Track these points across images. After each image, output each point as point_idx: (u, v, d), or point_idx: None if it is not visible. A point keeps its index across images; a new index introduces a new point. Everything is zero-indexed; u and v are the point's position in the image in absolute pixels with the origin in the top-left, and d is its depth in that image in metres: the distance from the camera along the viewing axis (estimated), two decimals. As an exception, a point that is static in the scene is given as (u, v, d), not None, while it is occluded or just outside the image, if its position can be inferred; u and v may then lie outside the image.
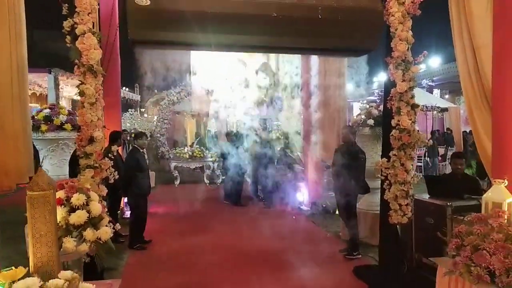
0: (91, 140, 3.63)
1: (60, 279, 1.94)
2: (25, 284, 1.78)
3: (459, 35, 4.58)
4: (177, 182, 12.40)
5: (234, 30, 4.39)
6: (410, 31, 4.50)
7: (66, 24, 3.58)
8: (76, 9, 3.56)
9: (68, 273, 1.99)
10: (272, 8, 4.28)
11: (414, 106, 4.42)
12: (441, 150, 15.41)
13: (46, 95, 17.78)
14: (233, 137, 9.91)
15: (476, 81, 4.43)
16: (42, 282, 1.86)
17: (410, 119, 4.38)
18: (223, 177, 10.08)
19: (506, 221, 3.01)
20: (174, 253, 5.94)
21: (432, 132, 16.88)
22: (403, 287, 4.35)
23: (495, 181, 3.27)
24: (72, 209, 2.56)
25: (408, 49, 4.46)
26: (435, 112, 17.10)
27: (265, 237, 6.65)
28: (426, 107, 15.06)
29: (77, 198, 2.58)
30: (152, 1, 3.87)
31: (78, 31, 3.57)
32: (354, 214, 5.82)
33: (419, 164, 13.72)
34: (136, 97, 30.42)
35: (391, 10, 4.49)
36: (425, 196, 4.76)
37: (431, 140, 5.49)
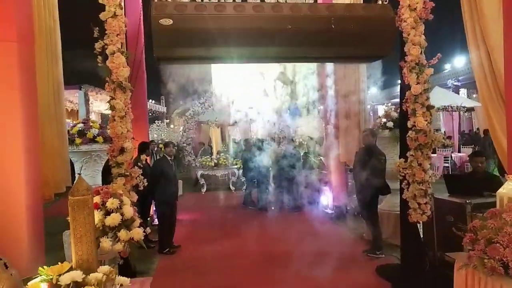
0: (122, 150, 3.93)
1: (99, 273, 2.19)
2: (70, 276, 2.04)
3: (473, 36, 4.67)
4: (204, 189, 12.73)
5: (252, 43, 4.63)
6: (423, 35, 4.61)
7: (97, 45, 3.92)
8: (106, 32, 3.90)
9: (106, 268, 2.24)
10: (287, 21, 4.50)
11: (429, 108, 4.52)
12: (469, 150, 15.15)
13: (77, 111, 18.65)
14: (253, 144, 10.15)
15: (491, 81, 4.50)
16: (84, 275, 2.12)
17: (426, 120, 4.48)
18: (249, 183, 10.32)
19: (520, 215, 3.09)
20: (202, 258, 6.18)
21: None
22: (425, 285, 4.41)
23: (508, 177, 3.35)
24: (107, 212, 2.84)
25: (421, 53, 4.57)
26: (462, 112, 16.82)
27: (290, 240, 6.80)
28: (451, 107, 14.89)
29: (112, 202, 2.85)
30: (174, 20, 4.16)
31: (108, 51, 3.90)
32: (376, 215, 5.92)
33: (446, 165, 13.57)
34: (162, 108, 31.25)
35: (403, 16, 4.62)
36: (446, 195, 4.84)
37: (448, 140, 5.55)
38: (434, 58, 4.62)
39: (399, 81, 4.92)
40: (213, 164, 12.88)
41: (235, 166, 12.89)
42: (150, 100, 26.49)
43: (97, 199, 2.87)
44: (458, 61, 23.75)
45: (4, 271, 1.57)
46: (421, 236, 4.92)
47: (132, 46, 5.39)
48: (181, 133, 14.39)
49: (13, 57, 3.04)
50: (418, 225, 4.72)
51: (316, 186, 9.31)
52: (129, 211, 2.89)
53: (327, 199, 9.03)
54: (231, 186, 12.90)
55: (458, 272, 3.29)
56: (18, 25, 3.08)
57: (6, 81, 3.01)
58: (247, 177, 10.17)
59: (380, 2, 4.97)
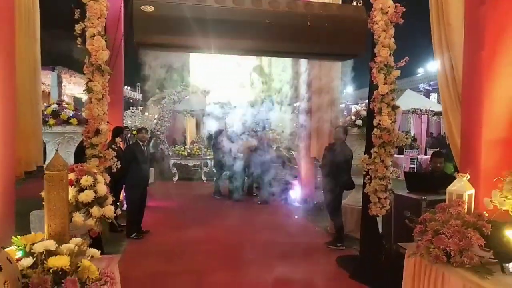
0: (97, 132, 4.02)
1: (71, 244, 2.31)
2: (44, 245, 2.14)
3: (439, 44, 4.96)
4: (175, 178, 12.78)
5: (231, 35, 4.76)
6: (393, 38, 4.87)
7: (78, 27, 3.97)
8: (87, 14, 3.95)
9: (78, 240, 2.36)
10: (266, 16, 4.68)
11: (394, 107, 4.79)
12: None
13: (49, 92, 18.21)
14: (226, 136, 10.30)
15: (452, 88, 4.82)
16: (56, 245, 2.23)
17: (391, 119, 4.74)
18: (224, 174, 10.48)
19: (466, 209, 3.39)
20: (170, 243, 6.32)
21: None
22: (380, 274, 4.68)
23: (458, 175, 3.65)
24: (81, 189, 2.95)
25: (390, 55, 4.83)
26: (430, 115, 17.48)
27: (257, 230, 7.02)
28: (421, 110, 15.46)
29: (86, 180, 2.96)
30: (155, 8, 4.25)
31: (88, 34, 3.96)
32: (339, 208, 6.18)
33: (412, 165, 14.11)
34: (138, 95, 30.88)
35: (375, 18, 4.86)
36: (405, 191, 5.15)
37: (409, 139, 5.87)
38: (402, 61, 4.88)
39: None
40: (186, 154, 12.95)
41: (208, 157, 13.01)
42: (126, 87, 26.12)
43: (71, 176, 2.97)
44: (431, 66, 24.51)
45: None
46: (380, 229, 5.21)
47: (112, 31, 5.41)
48: (155, 121, 14.36)
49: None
50: (378, 218, 5.01)
51: (286, 179, 9.57)
52: (102, 189, 3.01)
53: (295, 192, 9.30)
54: (203, 177, 13.01)
55: (407, 260, 3.58)
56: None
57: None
58: (218, 168, 10.32)
59: (355, 3, 5.21)
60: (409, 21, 4.89)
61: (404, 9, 4.87)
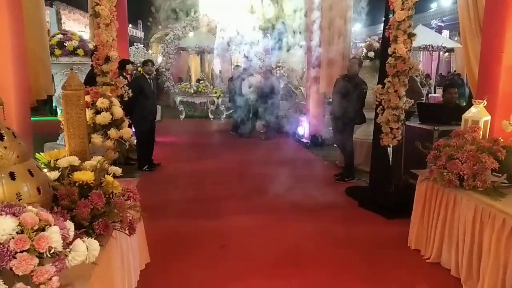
0: (107, 59, 3.93)
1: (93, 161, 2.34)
2: (68, 160, 2.17)
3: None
4: (182, 116, 12.80)
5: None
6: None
7: None
8: None
9: (99, 157, 2.39)
10: None
11: (411, 35, 4.60)
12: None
13: (49, 30, 17.77)
14: (241, 73, 10.15)
15: (473, 13, 4.62)
16: (80, 162, 2.26)
17: (406, 48, 4.59)
18: (229, 112, 10.46)
19: (481, 135, 3.38)
20: (181, 174, 6.45)
21: None
22: (389, 203, 4.79)
23: (475, 102, 3.60)
24: (98, 112, 2.94)
25: (408, -22, 4.57)
26: (441, 52, 17.02)
27: (266, 163, 7.11)
28: (432, 47, 15.02)
29: (102, 102, 2.94)
30: None
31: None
32: (351, 143, 6.17)
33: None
34: (140, 33, 30.11)
35: None
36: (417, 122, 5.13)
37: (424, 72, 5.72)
38: (421, -14, 4.64)
39: (383, 18, 4.92)
40: (192, 91, 12.86)
41: (215, 95, 12.92)
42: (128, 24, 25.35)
43: (87, 98, 2.94)
44: (445, 1, 23.44)
45: (14, 139, 1.67)
46: (390, 160, 5.24)
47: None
48: (159, 58, 14.09)
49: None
50: (388, 149, 5.02)
51: (294, 116, 9.54)
52: (118, 111, 3.00)
53: (303, 129, 9.32)
54: (209, 114, 13.01)
55: (419, 185, 3.64)
56: None
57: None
58: (235, 104, 10.22)
59: None
60: None
61: None
